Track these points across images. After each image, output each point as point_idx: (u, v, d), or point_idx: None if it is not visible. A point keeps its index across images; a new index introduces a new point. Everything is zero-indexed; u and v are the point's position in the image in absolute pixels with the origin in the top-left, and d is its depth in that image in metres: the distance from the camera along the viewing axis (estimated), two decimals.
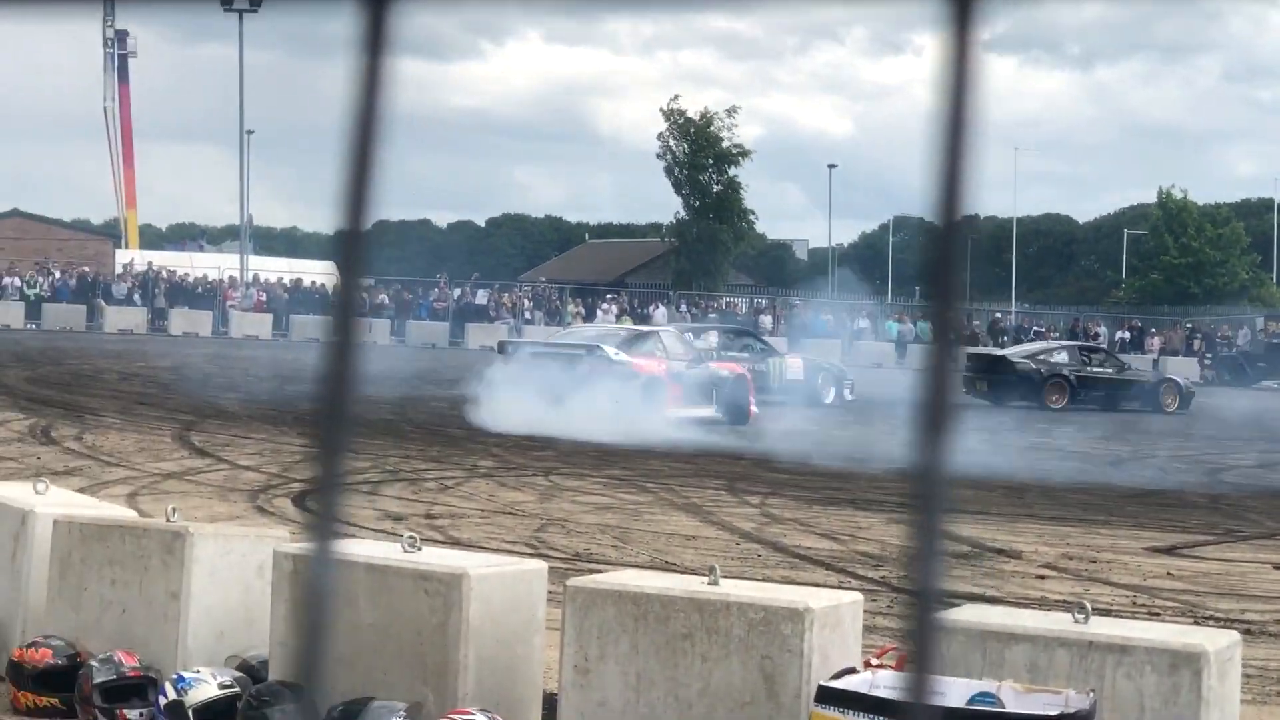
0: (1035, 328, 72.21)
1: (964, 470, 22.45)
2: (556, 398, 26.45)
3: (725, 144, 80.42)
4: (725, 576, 7.61)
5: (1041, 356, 42.60)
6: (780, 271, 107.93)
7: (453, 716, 6.94)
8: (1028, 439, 30.06)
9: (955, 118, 1.12)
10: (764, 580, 12.05)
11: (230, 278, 68.86)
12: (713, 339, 38.09)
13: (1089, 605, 6.55)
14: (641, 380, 28.59)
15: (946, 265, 1.12)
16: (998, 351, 45.20)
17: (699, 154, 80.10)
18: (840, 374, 40.12)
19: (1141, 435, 32.41)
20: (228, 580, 8.18)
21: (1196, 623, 11.39)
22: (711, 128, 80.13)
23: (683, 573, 10.75)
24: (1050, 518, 17.95)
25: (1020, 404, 39.83)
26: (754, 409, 30.43)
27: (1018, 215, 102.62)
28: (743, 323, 64.90)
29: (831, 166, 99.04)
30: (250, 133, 76.64)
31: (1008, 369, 41.45)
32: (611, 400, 27.07)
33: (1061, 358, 42.51)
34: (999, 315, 77.68)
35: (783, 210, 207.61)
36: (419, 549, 7.56)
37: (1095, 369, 42.33)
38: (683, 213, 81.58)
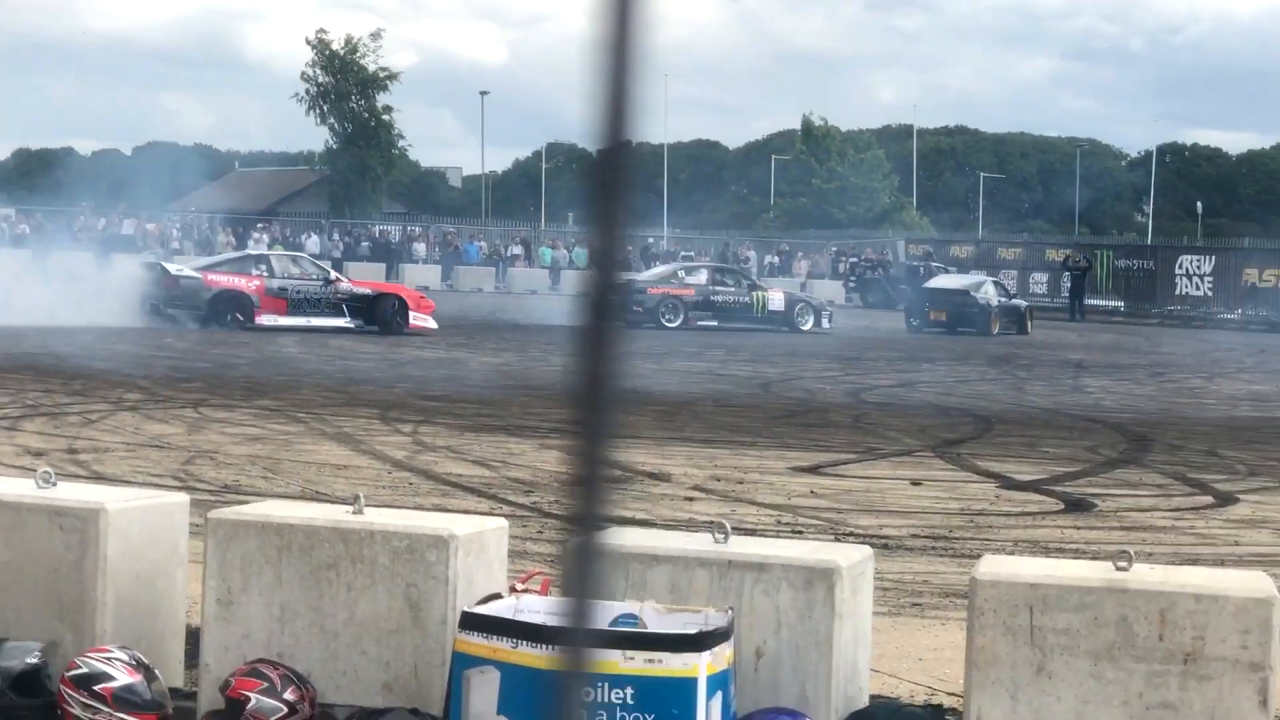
0: (684, 253, 73.05)
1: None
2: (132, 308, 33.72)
3: (372, 69, 79.49)
4: (376, 506, 7.58)
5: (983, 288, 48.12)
6: (434, 199, 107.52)
7: (90, 655, 6.80)
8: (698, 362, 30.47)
9: (619, 43, 1.11)
10: (415, 508, 12.03)
11: None
12: (703, 276, 44.45)
13: (729, 525, 6.66)
14: (213, 293, 34.68)
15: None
16: (958, 284, 50.36)
17: (344, 81, 78.98)
18: (820, 305, 45.66)
19: (789, 357, 33.04)
20: None
21: (837, 539, 11.66)
22: (356, 54, 79.02)
23: (332, 503, 10.66)
24: (700, 440, 18.22)
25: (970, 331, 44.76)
26: (421, 324, 35.67)
27: (669, 141, 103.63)
28: (394, 250, 65.26)
29: (484, 94, 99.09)
30: None
31: (969, 302, 46.67)
32: (182, 310, 34.43)
33: (989, 291, 47.92)
34: (651, 240, 78.41)
35: (437, 138, 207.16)
36: (54, 484, 7.38)
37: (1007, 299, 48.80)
38: (333, 141, 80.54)
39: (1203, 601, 6.01)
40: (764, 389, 25.39)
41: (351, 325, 35.56)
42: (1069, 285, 62.40)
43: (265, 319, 34.84)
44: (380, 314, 35.70)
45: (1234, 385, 29.72)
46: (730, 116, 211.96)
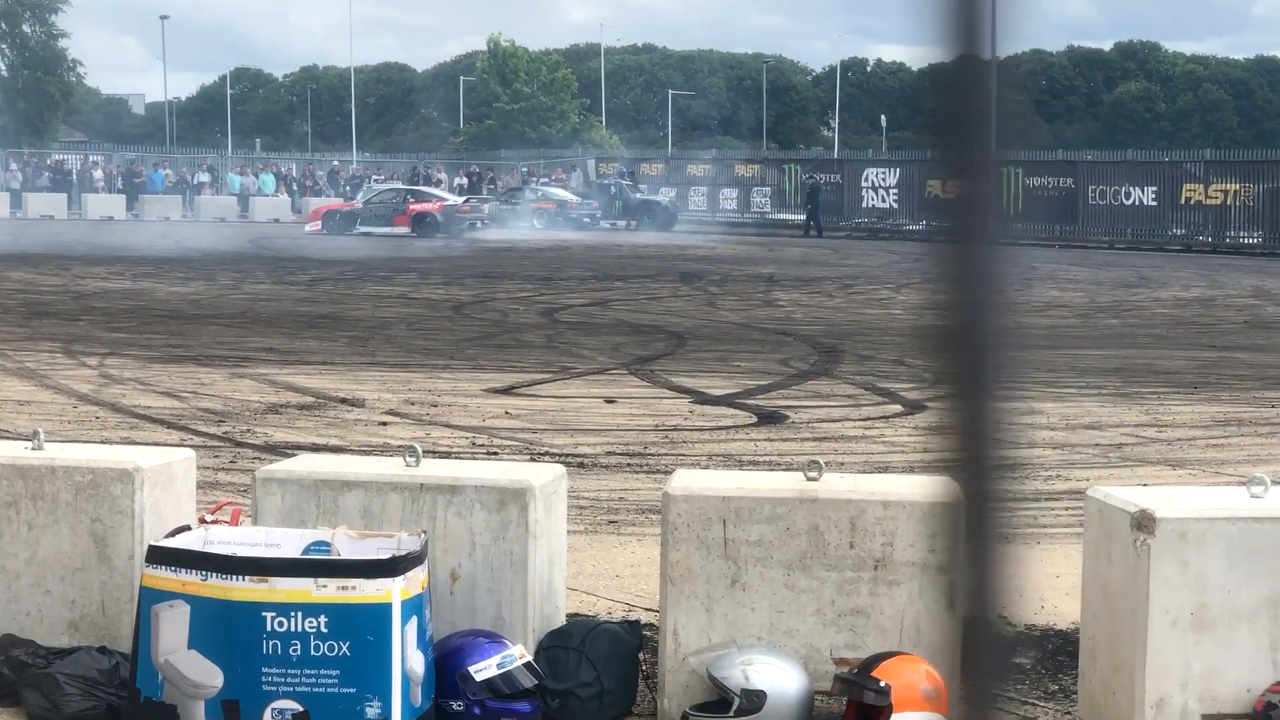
0: (376, 176, 72.45)
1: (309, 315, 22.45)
2: None
3: None
4: (60, 441, 7.35)
5: None
6: (117, 127, 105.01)
7: None
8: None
9: None
10: (102, 443, 11.74)
11: None
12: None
13: (419, 449, 6.59)
14: None
15: None
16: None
17: (15, 5, 76.47)
18: None
19: (483, 279, 32.94)
20: None
21: (532, 459, 11.66)
22: None
23: (12, 440, 10.35)
24: (394, 364, 18.07)
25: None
26: None
27: (355, 64, 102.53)
28: (74, 181, 63.56)
29: (164, 18, 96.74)
30: None
31: None
32: None
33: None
34: (338, 164, 77.59)
35: (121, 64, 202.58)
36: None
37: None
38: (2, 69, 78.01)
39: (891, 508, 6.11)
40: (457, 311, 25.28)
41: None
42: (806, 203, 63.07)
43: None
44: None
45: (920, 295, 30.34)
46: (419, 38, 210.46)
